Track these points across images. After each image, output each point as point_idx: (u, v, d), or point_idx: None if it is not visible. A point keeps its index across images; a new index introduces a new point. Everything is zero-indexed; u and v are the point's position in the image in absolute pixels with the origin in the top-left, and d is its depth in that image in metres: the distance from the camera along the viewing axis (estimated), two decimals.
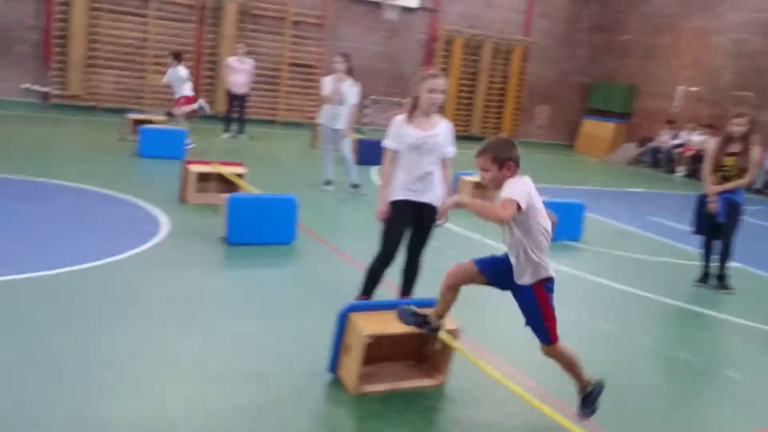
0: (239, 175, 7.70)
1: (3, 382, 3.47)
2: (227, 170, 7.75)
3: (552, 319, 3.45)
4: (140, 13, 15.10)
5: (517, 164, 3.38)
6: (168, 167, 9.26)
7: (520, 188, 3.27)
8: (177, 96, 11.39)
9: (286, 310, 4.98)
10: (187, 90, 11.45)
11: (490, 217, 3.24)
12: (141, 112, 12.66)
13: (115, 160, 9.86)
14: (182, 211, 7.33)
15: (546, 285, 3.42)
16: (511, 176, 3.35)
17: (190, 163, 7.80)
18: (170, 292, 5.04)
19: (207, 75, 16.01)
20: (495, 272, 3.53)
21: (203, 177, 7.72)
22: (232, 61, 13.40)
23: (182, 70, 11.36)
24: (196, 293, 5.10)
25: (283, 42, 16.53)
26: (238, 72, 13.29)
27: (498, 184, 3.36)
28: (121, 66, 15.07)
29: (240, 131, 13.48)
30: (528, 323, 3.51)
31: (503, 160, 3.35)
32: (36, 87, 14.32)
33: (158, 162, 9.78)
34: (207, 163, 7.93)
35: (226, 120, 13.64)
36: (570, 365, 3.56)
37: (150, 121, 11.23)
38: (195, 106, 11.53)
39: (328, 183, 9.30)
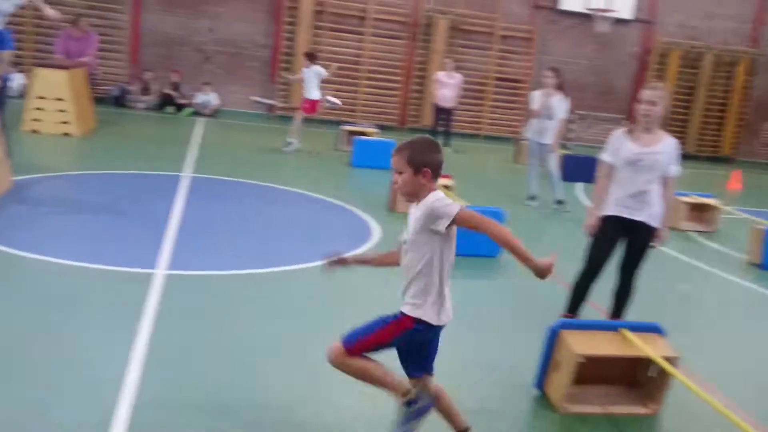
0: (447, 187, 7.90)
1: (240, 371, 3.88)
2: None
3: (373, 340, 2.90)
4: (357, 31, 16.01)
5: (435, 172, 2.86)
6: (379, 176, 9.71)
7: (449, 199, 2.83)
8: (306, 96, 11.49)
9: (489, 321, 5.04)
10: (316, 92, 11.45)
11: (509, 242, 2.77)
12: (354, 124, 13.40)
13: (331, 169, 10.55)
14: (391, 219, 7.67)
15: (410, 329, 2.87)
16: (426, 184, 2.84)
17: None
18: (375, 295, 5.30)
19: (415, 89, 16.56)
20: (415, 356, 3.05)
21: None
22: (440, 75, 13.76)
23: (321, 70, 11.44)
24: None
25: (490, 56, 16.66)
26: (446, 86, 13.61)
27: (410, 191, 2.86)
28: (338, 81, 16.04)
29: (445, 144, 13.78)
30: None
31: (420, 164, 2.83)
32: (263, 100, 15.68)
33: (370, 171, 10.31)
34: None
35: (432, 133, 14.00)
36: (366, 375, 2.96)
37: (363, 133, 11.85)
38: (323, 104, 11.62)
39: (532, 198, 9.24)
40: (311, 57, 11.64)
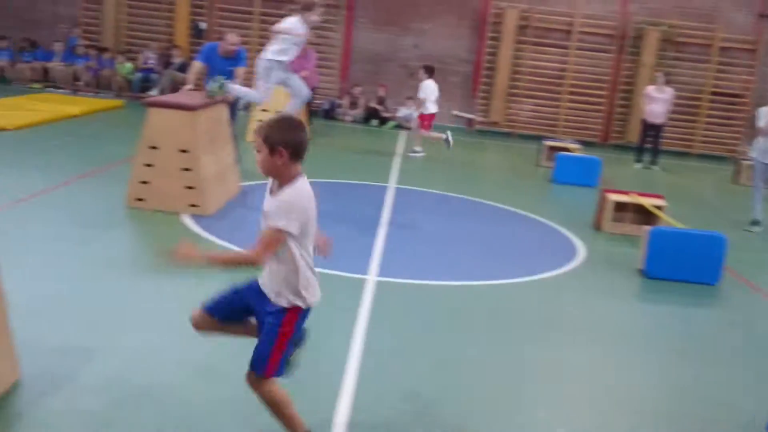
0: (658, 208, 7.49)
1: (448, 380, 3.94)
2: (646, 201, 7.61)
3: (280, 351, 2.80)
4: (562, 45, 15.68)
5: (294, 153, 2.70)
6: (581, 194, 9.45)
7: (297, 211, 2.69)
8: (423, 111, 11.62)
9: (713, 353, 4.70)
10: (432, 107, 11.60)
11: (245, 265, 2.77)
12: (555, 139, 13.12)
13: (532, 185, 10.43)
14: (596, 238, 7.42)
15: (300, 315, 2.84)
16: (283, 166, 2.70)
17: (608, 191, 7.86)
18: (585, 317, 5.17)
19: (621, 104, 15.90)
20: (229, 309, 2.99)
21: (620, 206, 7.70)
22: (650, 90, 13.09)
23: (430, 85, 11.52)
24: (611, 321, 5.16)
25: (706, 70, 15.56)
26: (656, 101, 12.92)
27: (269, 171, 2.74)
28: (539, 95, 15.85)
29: (653, 162, 13.08)
30: (257, 345, 2.85)
31: (274, 144, 2.68)
32: (464, 114, 15.87)
33: (572, 188, 10.03)
34: (625, 192, 7.89)
35: (639, 150, 13.36)
36: (277, 410, 2.87)
37: (566, 149, 11.58)
38: (441, 135, 11.39)
39: (755, 223, 8.48)
40: (429, 71, 11.76)
